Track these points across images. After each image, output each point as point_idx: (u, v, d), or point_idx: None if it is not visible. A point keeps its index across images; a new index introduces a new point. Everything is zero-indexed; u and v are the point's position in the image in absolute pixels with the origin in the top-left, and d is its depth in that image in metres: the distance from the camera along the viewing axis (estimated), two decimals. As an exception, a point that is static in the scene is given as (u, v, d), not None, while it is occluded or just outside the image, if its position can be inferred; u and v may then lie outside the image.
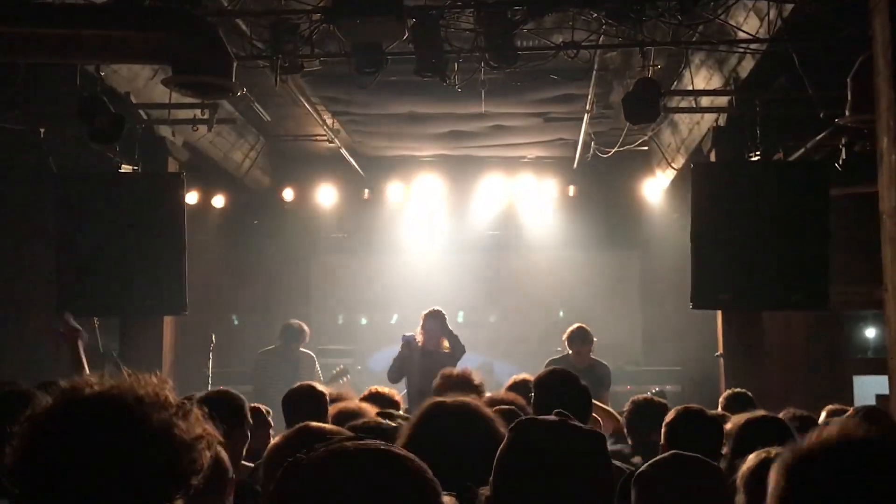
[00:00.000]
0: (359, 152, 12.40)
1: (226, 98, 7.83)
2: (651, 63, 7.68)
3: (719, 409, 5.79)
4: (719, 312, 9.30)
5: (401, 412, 5.37)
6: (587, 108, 9.64)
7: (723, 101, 8.70)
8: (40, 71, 7.42)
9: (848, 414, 4.51)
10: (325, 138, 10.90)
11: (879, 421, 4.19)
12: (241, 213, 12.74)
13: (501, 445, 2.30)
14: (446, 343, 8.62)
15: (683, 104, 9.15)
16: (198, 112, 8.75)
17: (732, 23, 7.24)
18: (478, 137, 11.71)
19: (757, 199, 8.11)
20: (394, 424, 3.77)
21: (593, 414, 5.24)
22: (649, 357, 12.58)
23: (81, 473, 1.59)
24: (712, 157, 9.19)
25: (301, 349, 9.61)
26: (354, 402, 4.89)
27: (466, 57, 7.30)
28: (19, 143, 8.83)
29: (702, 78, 8.56)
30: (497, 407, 3.96)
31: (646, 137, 10.26)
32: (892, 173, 5.12)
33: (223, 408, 3.34)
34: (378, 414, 4.48)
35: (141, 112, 8.74)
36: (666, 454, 2.85)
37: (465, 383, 5.32)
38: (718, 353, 9.39)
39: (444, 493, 1.54)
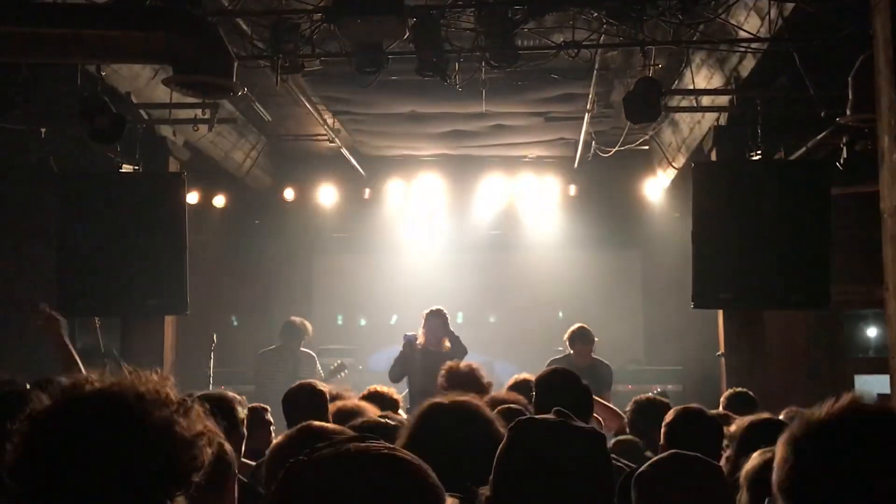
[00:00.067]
0: (359, 152, 12.41)
1: (226, 98, 7.83)
2: (652, 62, 7.68)
3: (720, 408, 5.79)
4: (720, 312, 9.30)
5: (401, 412, 5.38)
6: (588, 107, 9.63)
7: (724, 100, 8.70)
8: (41, 71, 7.42)
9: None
10: (326, 138, 10.90)
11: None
12: (242, 213, 12.75)
13: (501, 445, 2.30)
14: (447, 343, 8.62)
15: (684, 103, 9.15)
16: (198, 112, 8.75)
17: (733, 22, 7.24)
18: (478, 137, 11.71)
19: (758, 198, 8.10)
20: (392, 424, 3.77)
21: (594, 414, 5.24)
22: (650, 356, 12.59)
23: (82, 471, 1.59)
24: (713, 157, 9.18)
25: (301, 349, 9.59)
26: (352, 401, 4.90)
27: (467, 56, 7.30)
28: (20, 143, 8.82)
29: (703, 77, 8.56)
30: (500, 407, 3.97)
31: (647, 137, 10.25)
32: (893, 172, 5.12)
33: (216, 410, 3.35)
34: (378, 416, 4.49)
35: (142, 112, 8.74)
36: (666, 454, 2.85)
37: (472, 381, 5.33)
38: (719, 353, 9.39)
39: (448, 494, 1.53)
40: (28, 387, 3.45)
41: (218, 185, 11.96)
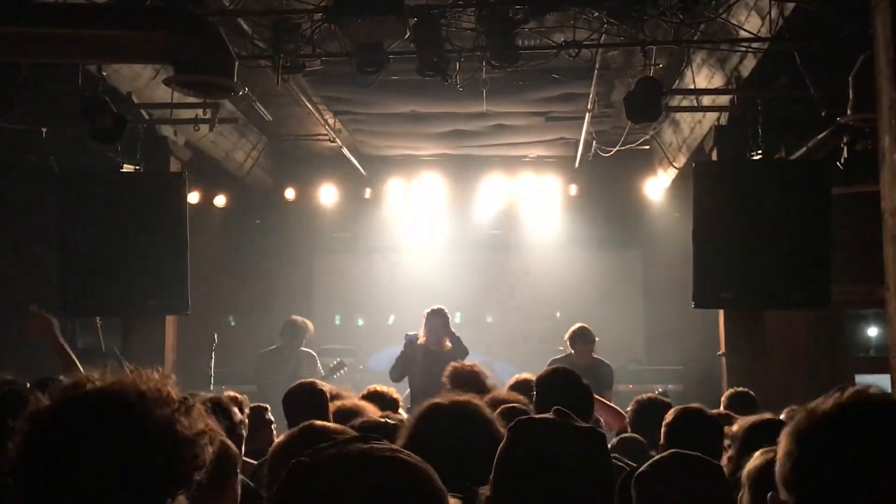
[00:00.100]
0: (360, 152, 12.41)
1: (227, 98, 7.84)
2: (652, 62, 7.67)
3: (721, 408, 5.79)
4: (721, 311, 9.30)
5: (401, 411, 5.38)
6: (589, 107, 9.63)
7: (724, 100, 8.70)
8: (42, 71, 7.42)
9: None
10: (327, 138, 10.90)
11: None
12: (243, 213, 12.76)
13: (501, 445, 2.30)
14: (448, 343, 8.62)
15: (685, 103, 9.15)
16: (199, 112, 8.76)
17: (734, 22, 7.24)
18: (479, 137, 11.71)
19: (758, 198, 8.10)
20: (392, 423, 3.77)
21: (596, 414, 5.24)
22: (651, 356, 12.59)
23: (83, 470, 1.59)
24: (714, 156, 9.18)
25: (302, 348, 9.58)
26: (352, 400, 4.90)
27: (468, 56, 7.30)
28: (21, 143, 8.83)
29: (703, 77, 8.56)
30: (503, 406, 3.96)
31: (647, 136, 10.25)
32: (894, 172, 5.12)
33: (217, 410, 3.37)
34: (379, 416, 4.49)
35: (143, 112, 8.74)
36: (666, 453, 2.84)
37: (475, 381, 5.32)
38: (720, 353, 9.39)
39: (450, 495, 1.52)
40: (28, 386, 3.45)
41: (219, 185, 11.96)
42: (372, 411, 4.60)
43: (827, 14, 6.39)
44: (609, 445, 2.78)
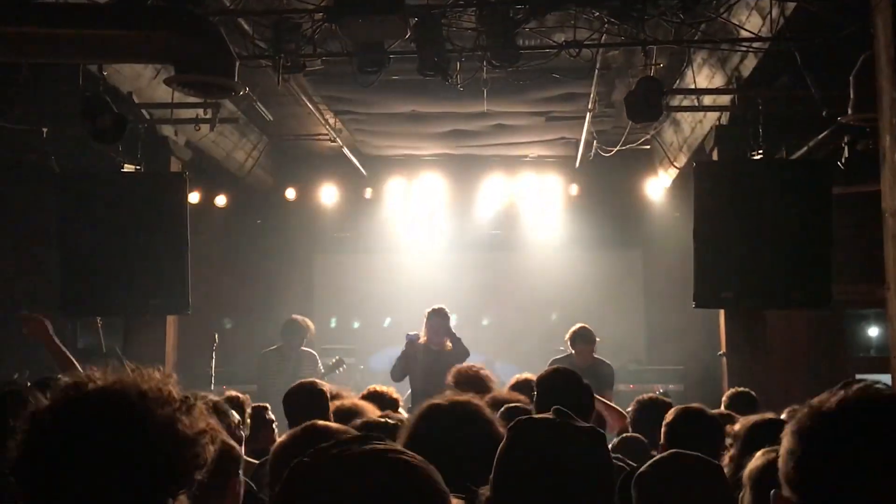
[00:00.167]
0: (361, 151, 12.41)
1: (228, 97, 7.84)
2: (653, 62, 7.67)
3: (722, 408, 5.80)
4: (722, 311, 9.29)
5: (402, 411, 5.38)
6: (589, 106, 9.63)
7: (725, 99, 8.70)
8: (42, 70, 7.42)
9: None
10: (328, 137, 10.90)
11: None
12: (244, 213, 12.76)
13: (501, 445, 2.30)
14: (449, 343, 8.62)
15: (686, 103, 9.15)
16: (200, 111, 8.76)
17: (735, 21, 7.23)
18: (480, 136, 11.71)
19: (759, 197, 8.10)
20: (392, 423, 3.77)
21: (602, 411, 5.24)
22: (652, 356, 12.58)
23: (84, 469, 1.59)
24: (714, 156, 9.18)
25: (303, 348, 9.57)
26: (351, 400, 4.90)
27: (468, 56, 7.30)
28: (21, 143, 8.83)
29: (704, 76, 8.56)
30: (506, 406, 3.97)
31: (648, 136, 10.25)
32: (895, 172, 5.12)
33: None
34: (379, 416, 4.49)
35: (143, 111, 8.74)
36: (666, 453, 2.84)
37: (479, 383, 5.33)
38: (721, 352, 9.39)
39: (453, 495, 1.52)
40: (29, 385, 3.45)
41: (219, 185, 11.97)
42: (371, 411, 4.60)
43: (828, 14, 6.39)
44: (609, 446, 2.78)
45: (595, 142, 10.67)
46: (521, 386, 5.43)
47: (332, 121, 10.69)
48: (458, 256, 12.89)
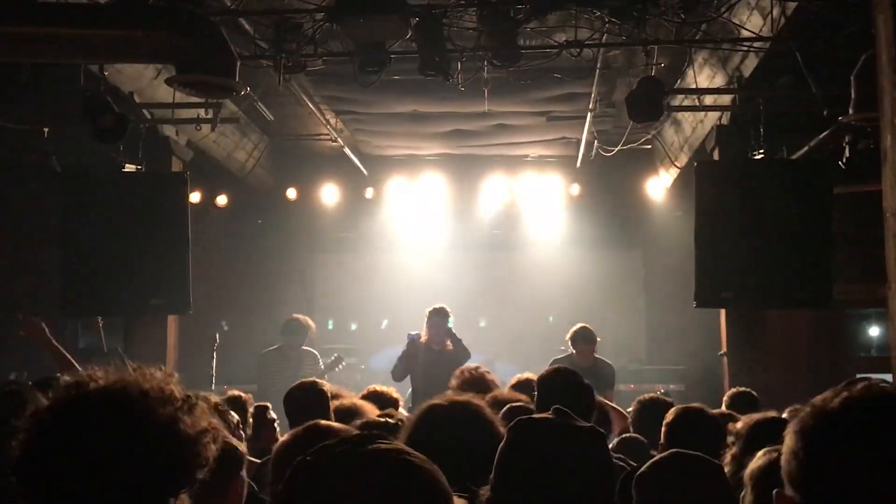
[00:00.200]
0: (362, 151, 12.41)
1: (229, 97, 7.84)
2: (654, 61, 7.67)
3: (723, 407, 5.79)
4: (722, 311, 9.29)
5: (402, 410, 5.38)
6: (590, 106, 9.63)
7: (726, 99, 8.69)
8: (43, 70, 7.43)
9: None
10: (328, 137, 10.91)
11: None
12: (245, 213, 12.75)
13: (501, 445, 2.30)
14: (450, 343, 8.62)
15: (687, 102, 9.15)
16: (201, 111, 8.77)
17: (735, 21, 7.23)
18: (481, 136, 11.71)
19: (760, 197, 8.10)
20: (393, 422, 3.77)
21: (610, 413, 5.23)
22: (652, 356, 12.59)
23: (85, 469, 1.59)
24: (715, 156, 9.18)
25: (304, 347, 9.56)
26: (350, 400, 4.90)
27: (469, 56, 7.30)
28: (23, 143, 8.84)
29: (705, 76, 8.55)
30: (509, 405, 3.96)
31: (649, 136, 10.25)
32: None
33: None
34: (379, 416, 4.49)
35: (144, 111, 8.75)
36: (666, 453, 2.84)
37: (480, 384, 5.32)
38: (722, 352, 9.38)
39: (456, 495, 1.51)
40: (29, 385, 3.45)
41: (220, 185, 11.97)
42: (370, 410, 4.61)
43: (829, 13, 6.39)
44: (610, 446, 2.78)
45: (596, 142, 10.67)
46: (521, 386, 5.43)
47: (332, 121, 10.69)
48: (458, 256, 12.89)
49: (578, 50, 7.12)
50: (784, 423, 3.65)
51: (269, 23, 7.13)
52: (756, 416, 3.68)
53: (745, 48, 7.52)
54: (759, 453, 2.62)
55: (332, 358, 9.65)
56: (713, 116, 9.11)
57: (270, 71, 7.37)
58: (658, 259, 12.69)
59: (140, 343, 9.27)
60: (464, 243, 12.96)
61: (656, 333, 12.78)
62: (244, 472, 2.82)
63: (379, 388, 5.71)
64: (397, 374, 8.57)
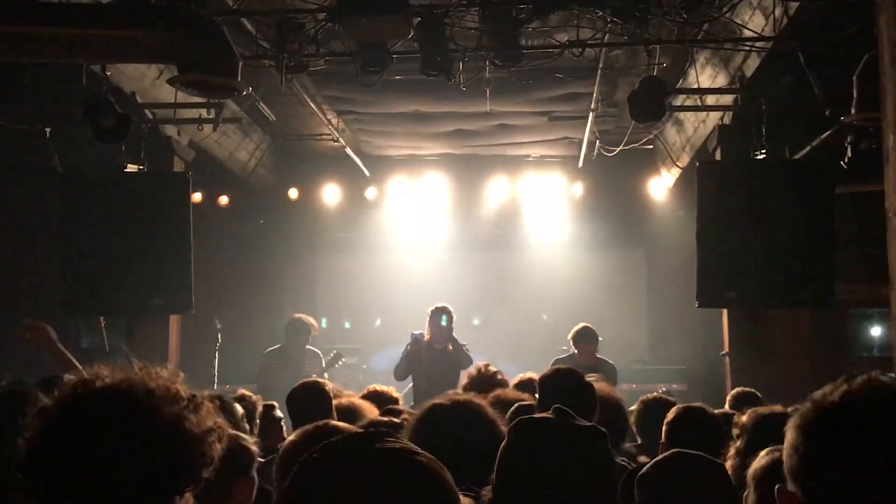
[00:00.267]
0: (363, 151, 12.41)
1: (231, 97, 7.83)
2: (656, 61, 7.67)
3: (726, 407, 5.79)
4: (725, 311, 9.29)
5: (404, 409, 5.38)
6: (592, 106, 9.63)
7: (728, 99, 8.69)
8: (45, 70, 7.43)
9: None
10: (330, 137, 10.91)
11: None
12: (246, 213, 12.75)
13: (502, 445, 2.29)
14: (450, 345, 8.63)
15: (689, 102, 9.15)
16: (203, 111, 8.77)
17: (738, 21, 7.23)
18: (482, 136, 11.71)
19: (762, 197, 8.09)
20: (397, 422, 3.77)
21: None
22: (655, 355, 12.58)
23: (91, 467, 1.60)
24: (717, 156, 9.18)
25: (307, 346, 9.55)
26: (348, 399, 4.91)
27: (471, 56, 7.29)
28: (24, 143, 8.84)
29: (707, 76, 8.55)
30: (518, 404, 3.96)
31: (651, 136, 10.25)
32: (898, 171, 5.11)
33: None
34: (382, 413, 4.50)
35: (146, 111, 8.75)
36: (668, 453, 2.84)
37: (489, 382, 5.33)
38: (724, 352, 9.38)
39: (462, 493, 1.51)
40: (34, 384, 3.45)
41: (222, 185, 11.97)
42: (368, 409, 4.61)
43: (831, 13, 6.38)
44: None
45: (598, 141, 10.66)
46: (524, 385, 5.43)
47: (334, 121, 10.69)
48: (460, 256, 12.89)
49: (580, 50, 7.11)
50: (788, 417, 3.64)
51: (271, 23, 7.13)
52: (762, 409, 3.67)
53: (748, 48, 7.51)
54: (762, 453, 2.62)
55: (332, 355, 9.65)
56: (715, 116, 9.11)
57: (272, 71, 7.37)
58: (660, 259, 12.70)
59: (142, 343, 9.28)
60: (466, 243, 12.96)
61: (658, 333, 12.78)
62: (255, 473, 2.82)
63: (379, 387, 5.73)
64: (399, 374, 8.58)
